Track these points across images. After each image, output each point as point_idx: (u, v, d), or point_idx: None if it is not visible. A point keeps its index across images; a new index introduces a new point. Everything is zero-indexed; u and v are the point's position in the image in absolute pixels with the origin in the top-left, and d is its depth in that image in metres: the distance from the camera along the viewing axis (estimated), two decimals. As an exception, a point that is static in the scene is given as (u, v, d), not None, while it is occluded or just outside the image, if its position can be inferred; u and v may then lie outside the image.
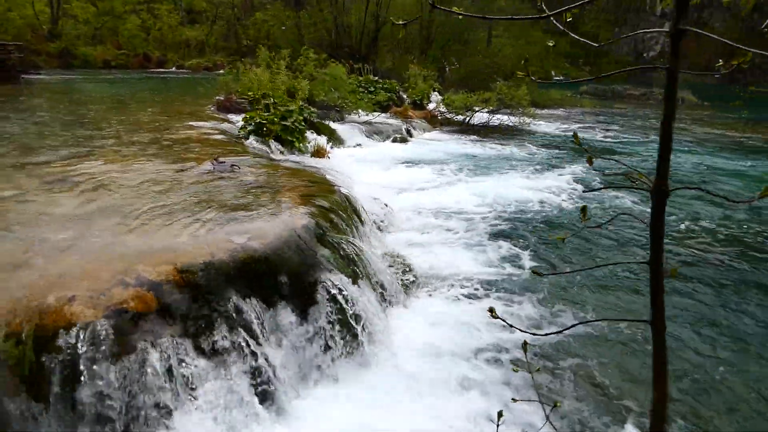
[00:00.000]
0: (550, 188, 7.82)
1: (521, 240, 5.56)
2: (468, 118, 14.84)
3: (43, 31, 28.94)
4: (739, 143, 13.65)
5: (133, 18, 36.69)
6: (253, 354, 2.81)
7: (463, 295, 4.18)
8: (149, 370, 2.49)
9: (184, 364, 2.60)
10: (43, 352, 2.41)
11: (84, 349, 2.43)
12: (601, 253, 5.32)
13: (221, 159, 5.37)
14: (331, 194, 4.34)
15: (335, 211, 4.02)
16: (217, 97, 12.00)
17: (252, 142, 7.08)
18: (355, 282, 3.40)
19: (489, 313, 1.23)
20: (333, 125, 11.11)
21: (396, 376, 3.16)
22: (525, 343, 1.77)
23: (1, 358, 2.37)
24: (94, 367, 2.43)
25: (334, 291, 3.18)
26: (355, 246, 3.69)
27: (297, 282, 3.16)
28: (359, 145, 10.68)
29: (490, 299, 4.18)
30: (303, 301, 3.14)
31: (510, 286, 4.42)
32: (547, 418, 1.46)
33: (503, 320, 1.24)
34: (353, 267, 3.53)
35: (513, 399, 2.28)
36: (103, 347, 2.48)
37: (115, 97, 14.21)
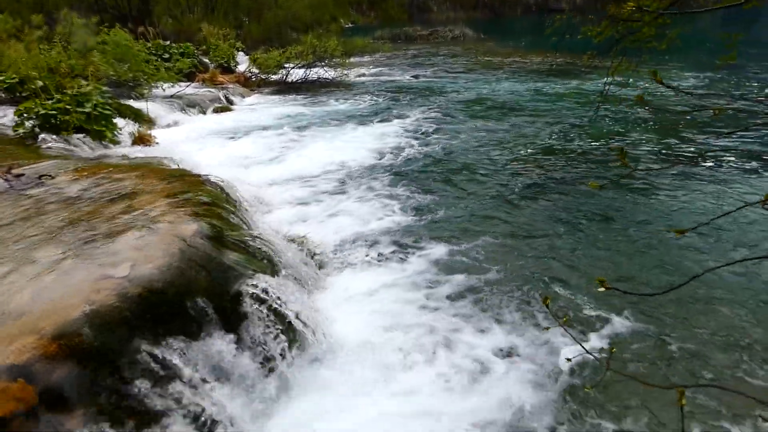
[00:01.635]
0: (395, 134, 8.00)
1: (390, 189, 5.59)
2: (284, 77, 14.11)
3: None
4: (529, 66, 15.90)
5: None
6: (197, 404, 2.23)
7: (369, 259, 4.04)
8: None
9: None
10: None
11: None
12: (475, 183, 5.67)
13: (16, 171, 4.02)
14: (202, 186, 3.62)
15: (219, 206, 3.36)
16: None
17: (46, 140, 5.48)
18: (277, 278, 2.94)
19: (601, 285, 1.11)
20: (135, 104, 9.36)
21: (348, 366, 2.91)
22: (546, 298, 1.71)
23: None
24: None
25: (261, 295, 2.69)
26: (261, 239, 3.17)
27: (216, 300, 2.57)
28: (176, 123, 9.27)
29: (393, 254, 4.13)
30: (231, 319, 2.59)
31: (401, 236, 4.43)
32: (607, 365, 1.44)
33: (617, 289, 1.11)
34: (267, 262, 3.04)
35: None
36: (-24, 485, 1.65)
37: None
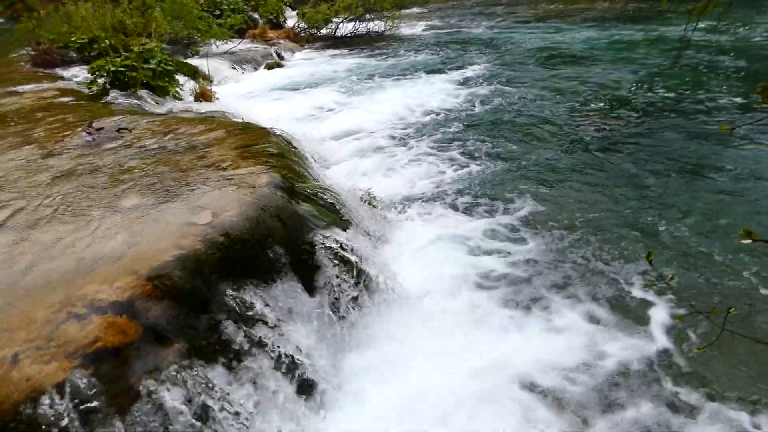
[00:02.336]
0: (454, 86, 7.75)
1: (455, 141, 5.47)
2: (333, 31, 13.88)
3: None
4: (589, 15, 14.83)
5: None
6: (280, 347, 2.35)
7: (436, 211, 4.02)
8: (171, 413, 1.92)
9: (211, 392, 2.06)
10: (13, 441, 1.71)
11: (71, 417, 1.77)
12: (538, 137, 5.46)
13: (96, 125, 4.21)
14: (269, 138, 3.67)
15: (287, 157, 3.41)
16: (25, 51, 9.45)
17: (116, 97, 5.70)
18: (347, 231, 2.99)
19: (747, 237, 1.04)
20: (192, 62, 9.53)
21: (413, 317, 2.94)
22: (650, 254, 1.63)
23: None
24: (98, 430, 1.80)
25: (334, 247, 2.74)
26: (330, 191, 3.21)
27: (292, 249, 2.65)
28: (231, 79, 9.39)
29: (462, 206, 4.08)
30: (306, 268, 2.67)
31: (470, 188, 4.36)
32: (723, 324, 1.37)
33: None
34: (337, 214, 3.08)
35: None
36: (97, 405, 1.83)
37: None
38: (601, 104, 6.44)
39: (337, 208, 3.12)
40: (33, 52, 9.00)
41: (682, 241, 3.38)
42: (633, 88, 7.00)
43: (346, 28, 13.95)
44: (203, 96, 6.39)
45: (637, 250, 3.30)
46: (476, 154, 5.13)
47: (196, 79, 8.61)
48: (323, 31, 13.95)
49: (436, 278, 3.15)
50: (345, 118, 6.63)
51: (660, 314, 2.74)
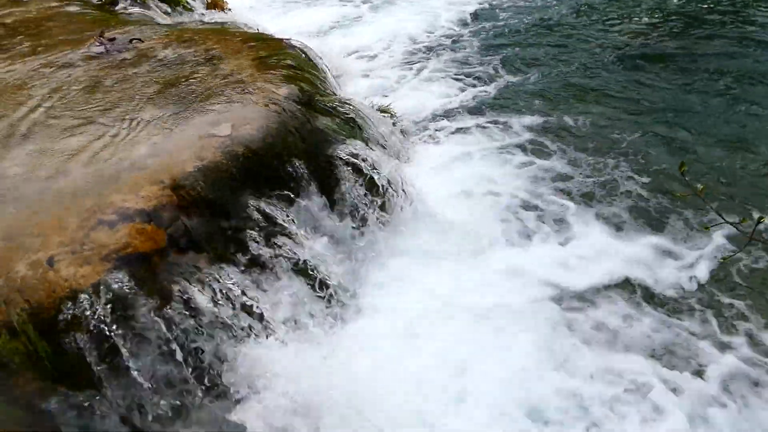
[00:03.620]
0: (463, 6, 7.20)
1: (474, 58, 5.19)
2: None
3: None
4: None
5: None
6: (299, 256, 2.41)
7: (454, 129, 3.92)
8: (204, 313, 2.03)
9: (238, 293, 2.15)
10: (58, 334, 1.84)
11: (110, 314, 1.88)
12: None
13: (108, 35, 4.06)
14: (285, 50, 3.51)
15: (305, 70, 3.29)
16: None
17: (124, 6, 5.45)
18: (367, 145, 2.94)
19: None
20: (200, -31, 8.96)
21: (433, 234, 2.97)
22: (682, 164, 1.57)
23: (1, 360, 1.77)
24: (132, 331, 1.92)
25: (354, 161, 2.72)
26: (350, 105, 3.12)
27: (312, 163, 2.63)
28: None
29: (482, 124, 3.97)
30: (325, 183, 2.67)
31: (489, 107, 4.21)
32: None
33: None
34: (357, 129, 3.02)
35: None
36: (131, 304, 1.93)
37: None
38: (638, 17, 5.96)
39: (357, 122, 3.05)
40: (34, -42, 8.53)
41: (716, 156, 3.29)
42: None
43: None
44: (215, 5, 6.07)
45: (669, 163, 3.22)
46: (498, 71, 4.89)
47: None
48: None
49: (453, 194, 3.14)
50: (359, 32, 6.29)
51: (688, 223, 2.74)
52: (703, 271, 2.53)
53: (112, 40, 3.94)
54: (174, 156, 2.44)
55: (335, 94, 3.39)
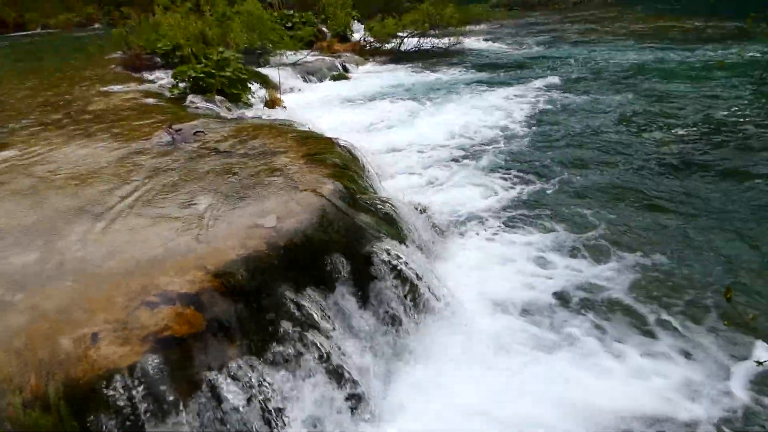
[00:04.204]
0: (516, 104, 7.66)
1: (512, 160, 5.40)
2: (398, 45, 14.11)
3: None
4: (666, 35, 14.22)
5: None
6: (330, 354, 2.40)
7: (492, 230, 3.97)
8: (230, 405, 2.02)
9: (264, 388, 2.14)
10: (88, 414, 1.85)
11: (141, 397, 1.89)
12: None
13: (176, 126, 4.52)
14: (333, 148, 3.79)
15: (350, 168, 3.51)
16: (117, 55, 10.31)
17: (193, 101, 6.09)
18: (404, 244, 3.02)
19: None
20: (262, 71, 10.00)
21: (466, 337, 2.91)
22: (728, 290, 1.53)
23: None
24: (161, 415, 1.92)
25: (390, 260, 2.78)
26: (389, 203, 3.26)
27: (350, 259, 2.71)
28: (298, 89, 9.76)
29: (517, 228, 4.02)
30: (361, 279, 2.72)
31: (527, 209, 4.28)
32: None
33: None
34: (395, 227, 3.13)
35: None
36: (163, 389, 1.95)
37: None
38: (678, 128, 6.13)
39: (395, 220, 3.17)
40: (124, 56, 9.82)
41: (766, 277, 3.15)
42: (713, 113, 6.61)
43: (410, 43, 14.14)
44: (272, 103, 6.69)
45: (714, 282, 3.11)
46: (541, 172, 5.05)
47: (266, 87, 9.05)
48: (388, 46, 14.21)
49: (488, 298, 3.11)
50: (404, 131, 6.71)
51: (738, 357, 2.56)
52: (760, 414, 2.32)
53: (178, 130, 4.37)
54: (220, 243, 2.58)
55: (376, 192, 3.57)
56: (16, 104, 6.51)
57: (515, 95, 8.25)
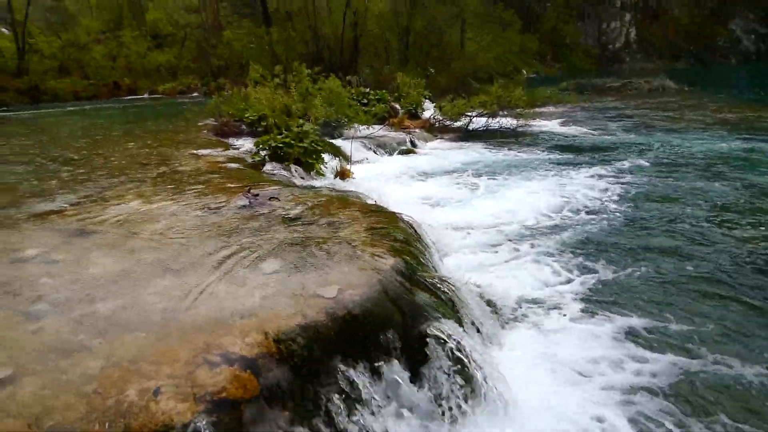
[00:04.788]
0: (583, 189, 7.52)
1: (576, 247, 5.22)
2: (466, 125, 14.57)
3: (9, 67, 27.76)
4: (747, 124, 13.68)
5: (99, 48, 35.70)
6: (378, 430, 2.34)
7: (556, 321, 3.79)
8: (273, 476, 2.00)
9: (310, 463, 2.11)
10: (139, 471, 1.90)
11: (189, 459, 1.93)
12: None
13: (254, 191, 4.87)
14: (397, 223, 3.89)
15: (411, 244, 3.58)
16: (210, 121, 11.45)
17: (270, 168, 6.57)
18: (461, 326, 2.96)
19: None
20: (336, 142, 10.66)
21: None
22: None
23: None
24: (205, 480, 1.93)
25: (447, 342, 2.73)
26: (448, 283, 3.25)
27: (404, 337, 2.70)
28: (367, 160, 10.25)
29: (581, 318, 3.81)
30: (414, 359, 2.68)
31: (590, 299, 4.07)
32: None
33: None
34: (454, 308, 3.09)
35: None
36: (211, 453, 1.97)
37: (96, 129, 13.44)
38: (743, 223, 5.72)
39: (453, 301, 3.13)
40: (215, 123, 10.90)
41: None
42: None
43: (479, 122, 14.55)
44: (342, 174, 7.06)
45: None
46: (613, 260, 4.83)
47: (338, 158, 9.61)
48: (457, 124, 14.70)
49: (548, 397, 2.91)
50: (469, 207, 6.75)
51: None
52: None
53: (255, 195, 4.69)
54: (281, 309, 2.67)
55: (436, 269, 3.58)
56: (119, 161, 7.35)
57: (591, 177, 8.14)
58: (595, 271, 4.60)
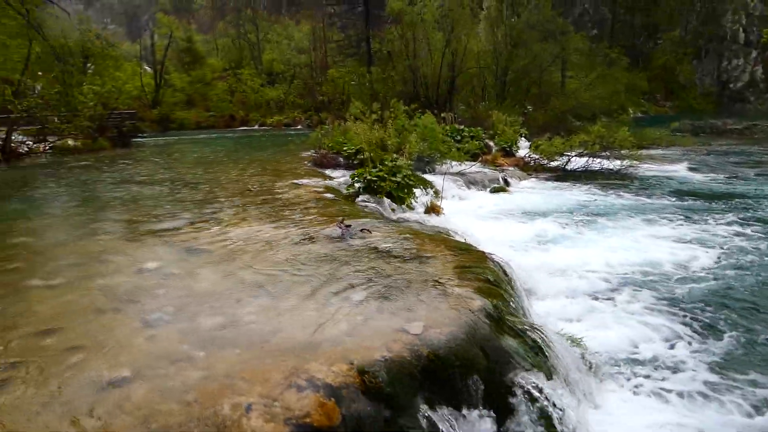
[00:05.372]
0: (690, 242, 6.80)
1: (688, 307, 4.68)
2: (564, 164, 13.99)
3: (146, 100, 32.28)
4: None
5: (221, 84, 40.21)
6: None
7: (660, 386, 3.40)
8: None
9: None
10: (226, 483, 2.00)
11: (271, 481, 1.99)
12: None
13: (347, 222, 5.06)
14: (486, 263, 3.81)
15: (500, 286, 3.47)
16: (311, 153, 12.20)
17: (364, 199, 6.81)
18: (549, 379, 2.78)
19: None
20: (428, 177, 10.78)
21: None
22: None
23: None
24: (283, 504, 1.98)
25: (534, 394, 2.57)
26: (539, 331, 3.09)
27: (489, 384, 2.59)
28: (458, 197, 10.21)
29: (692, 387, 3.37)
30: (498, 408, 2.56)
31: (704, 364, 3.60)
32: None
33: None
34: (543, 358, 2.92)
35: None
36: (291, 478, 2.02)
37: (214, 155, 14.95)
38: None
39: (543, 350, 2.96)
40: (315, 154, 11.60)
41: None
42: None
43: (577, 162, 13.90)
44: (432, 209, 7.10)
45: None
46: (723, 324, 4.27)
47: (429, 193, 9.70)
48: (553, 163, 14.18)
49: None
50: (563, 251, 6.40)
51: None
52: None
53: (348, 226, 4.87)
54: (367, 340, 2.70)
55: (526, 314, 3.41)
56: (227, 186, 8.09)
57: (687, 233, 7.34)
58: (702, 335, 4.08)
